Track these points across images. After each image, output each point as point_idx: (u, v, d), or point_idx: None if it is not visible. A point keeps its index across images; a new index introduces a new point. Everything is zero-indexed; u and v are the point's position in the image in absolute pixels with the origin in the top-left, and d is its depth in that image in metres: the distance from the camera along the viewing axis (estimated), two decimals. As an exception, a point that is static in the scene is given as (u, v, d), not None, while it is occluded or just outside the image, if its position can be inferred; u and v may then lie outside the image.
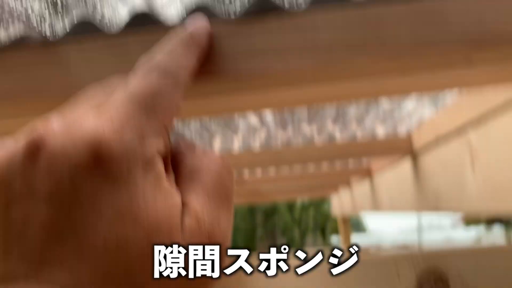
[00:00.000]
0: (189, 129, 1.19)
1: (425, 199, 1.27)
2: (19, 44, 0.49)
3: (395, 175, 1.63)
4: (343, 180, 2.78)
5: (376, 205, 2.11)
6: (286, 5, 0.53)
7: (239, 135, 1.36)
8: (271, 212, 12.34)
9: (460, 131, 0.95)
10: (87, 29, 0.50)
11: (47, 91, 0.49)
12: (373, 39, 0.46)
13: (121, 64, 0.48)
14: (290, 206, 12.79)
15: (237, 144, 1.40)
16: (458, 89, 0.79)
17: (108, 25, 0.52)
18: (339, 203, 3.66)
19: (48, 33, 0.54)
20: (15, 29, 0.53)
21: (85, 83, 0.47)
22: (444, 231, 12.44)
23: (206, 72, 0.45)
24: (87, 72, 0.49)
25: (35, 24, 0.53)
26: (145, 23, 0.49)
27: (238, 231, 12.19)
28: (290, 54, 0.46)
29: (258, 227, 12.43)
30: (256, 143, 1.43)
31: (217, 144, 1.37)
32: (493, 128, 0.80)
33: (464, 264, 0.41)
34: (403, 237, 10.97)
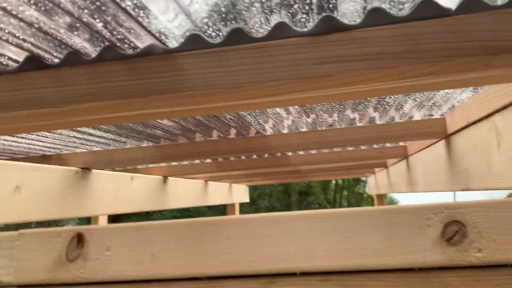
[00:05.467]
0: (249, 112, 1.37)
1: (457, 179, 1.41)
2: (148, 53, 0.68)
3: (430, 157, 1.76)
4: (380, 162, 2.91)
5: (411, 185, 2.24)
6: (346, 21, 0.69)
7: (289, 118, 1.53)
8: (305, 192, 12.54)
9: (488, 116, 1.08)
10: (197, 41, 0.67)
11: (169, 91, 0.67)
12: (412, 50, 0.61)
13: (222, 68, 0.66)
14: (324, 187, 12.90)
15: (286, 126, 1.57)
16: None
17: (213, 38, 0.70)
18: (375, 183, 3.78)
19: (169, 45, 0.72)
20: (144, 42, 0.72)
21: (196, 83, 0.66)
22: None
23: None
24: (198, 74, 0.66)
25: (161, 38, 0.71)
26: (239, 37, 0.66)
27: (273, 210, 12.49)
28: (349, 61, 0.63)
29: (292, 207, 12.69)
30: (303, 126, 1.59)
31: (269, 125, 1.55)
32: (516, 115, 0.94)
33: (479, 215, 0.56)
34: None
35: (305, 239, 0.58)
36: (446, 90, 1.28)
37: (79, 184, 1.59)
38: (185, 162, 2.30)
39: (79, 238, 0.63)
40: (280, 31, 0.65)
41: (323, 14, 0.64)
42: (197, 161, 2.29)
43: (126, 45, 0.73)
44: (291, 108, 1.40)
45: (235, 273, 0.58)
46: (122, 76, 0.68)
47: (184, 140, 1.56)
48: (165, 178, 2.35)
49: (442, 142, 1.54)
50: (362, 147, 2.24)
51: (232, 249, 0.59)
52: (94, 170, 1.67)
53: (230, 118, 1.43)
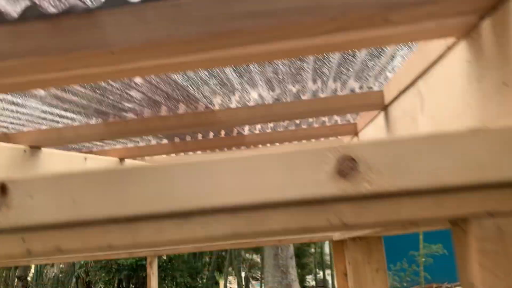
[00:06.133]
0: (199, 88, 1.40)
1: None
2: (70, 12, 0.70)
3: (373, 130, 1.84)
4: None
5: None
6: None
7: (236, 94, 1.57)
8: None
9: (413, 82, 1.16)
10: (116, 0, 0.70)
11: (90, 48, 0.70)
12: (314, 6, 0.66)
13: (140, 25, 0.69)
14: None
15: (234, 101, 1.61)
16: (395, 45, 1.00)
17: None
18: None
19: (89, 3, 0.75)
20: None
21: (116, 40, 0.69)
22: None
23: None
24: (118, 31, 0.69)
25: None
26: (157, -4, 0.69)
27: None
28: (259, 17, 0.67)
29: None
30: (251, 102, 1.64)
31: (217, 101, 1.59)
32: (433, 77, 1.01)
33: (369, 152, 0.62)
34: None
35: (217, 180, 0.62)
36: (381, 61, 1.35)
37: (28, 163, 1.59)
38: (141, 144, 2.31)
39: (2, 188, 0.66)
40: (194, -11, 0.68)
41: (233, -28, 0.68)
42: (153, 142, 2.31)
43: (48, 4, 0.75)
44: (236, 84, 1.45)
45: (152, 213, 0.63)
46: (44, 35, 0.70)
47: (132, 116, 1.59)
48: (121, 160, 2.36)
49: (382, 114, 1.62)
50: (316, 125, 2.30)
51: (149, 192, 0.63)
52: (44, 149, 1.67)
53: (177, 93, 1.46)
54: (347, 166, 0.60)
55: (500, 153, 0.57)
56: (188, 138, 2.33)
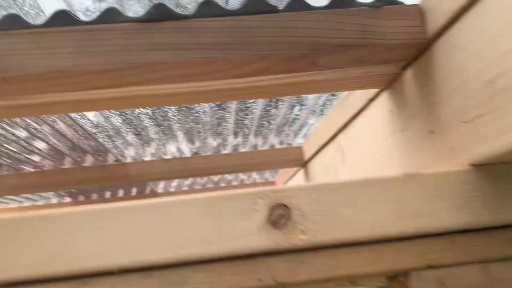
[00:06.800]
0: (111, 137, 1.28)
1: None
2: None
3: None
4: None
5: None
6: (179, 11, 0.68)
7: (151, 147, 1.47)
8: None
9: (333, 137, 1.16)
10: (14, 22, 0.60)
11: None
12: (242, 42, 0.62)
13: (42, 50, 0.59)
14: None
15: (149, 154, 1.50)
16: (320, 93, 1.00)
17: (33, 19, 0.63)
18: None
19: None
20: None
21: (11, 65, 0.58)
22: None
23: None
24: (13, 55, 0.59)
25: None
26: (64, 19, 0.61)
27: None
28: (182, 49, 0.61)
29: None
30: (168, 155, 1.54)
31: (130, 153, 1.47)
32: (354, 130, 1.01)
33: (302, 197, 0.56)
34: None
35: (126, 233, 0.52)
36: (301, 117, 1.35)
37: None
38: (40, 203, 2.06)
39: None
40: (110, 16, 0.61)
41: (156, 1, 0.62)
42: (54, 201, 2.07)
43: None
44: (152, 134, 1.36)
45: (43, 276, 0.50)
46: None
47: (31, 168, 1.40)
48: (14, 221, 2.07)
49: (302, 171, 1.61)
50: (234, 183, 2.25)
51: (40, 248, 0.50)
52: None
53: (86, 143, 1.32)
54: (279, 215, 0.54)
55: (435, 199, 0.55)
56: (95, 196, 2.13)
